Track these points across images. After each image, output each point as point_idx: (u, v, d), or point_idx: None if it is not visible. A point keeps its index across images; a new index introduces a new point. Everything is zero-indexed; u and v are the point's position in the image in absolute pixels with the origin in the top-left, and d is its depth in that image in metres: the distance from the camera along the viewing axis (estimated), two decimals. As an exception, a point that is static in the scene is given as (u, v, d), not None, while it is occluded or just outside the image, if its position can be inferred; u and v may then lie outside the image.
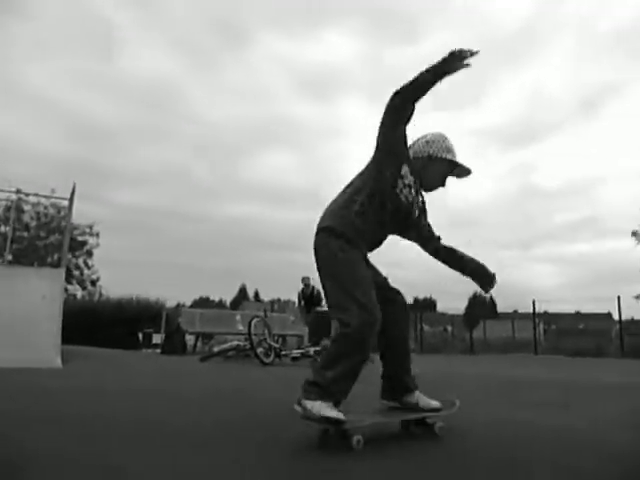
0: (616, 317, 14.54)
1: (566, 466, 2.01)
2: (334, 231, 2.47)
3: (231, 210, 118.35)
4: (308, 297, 11.05)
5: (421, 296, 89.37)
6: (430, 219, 2.81)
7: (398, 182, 2.52)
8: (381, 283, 2.59)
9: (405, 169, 2.54)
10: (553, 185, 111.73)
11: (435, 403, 2.59)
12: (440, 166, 2.67)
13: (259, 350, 8.07)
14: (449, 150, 2.68)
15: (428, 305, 76.27)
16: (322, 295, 11.10)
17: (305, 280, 11.21)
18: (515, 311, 27.15)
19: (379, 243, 2.68)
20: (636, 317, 27.44)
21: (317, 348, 8.44)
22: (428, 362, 10.56)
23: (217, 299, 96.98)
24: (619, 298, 13.94)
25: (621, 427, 2.96)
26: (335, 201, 2.61)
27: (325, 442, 2.36)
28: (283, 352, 8.77)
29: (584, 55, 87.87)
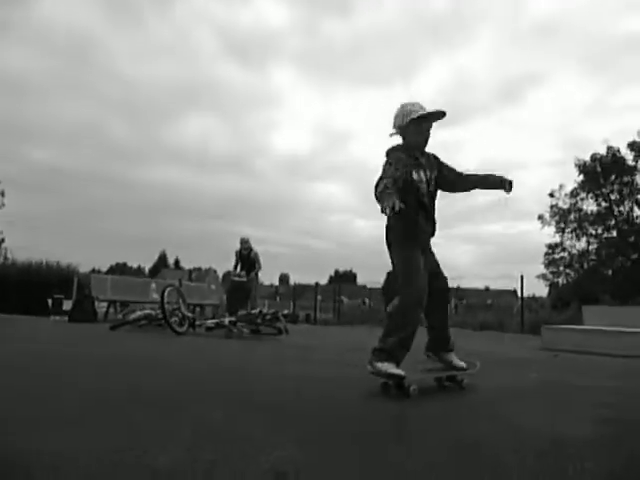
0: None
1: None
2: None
3: (152, 174, 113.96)
4: (245, 258, 10.89)
5: (342, 269, 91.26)
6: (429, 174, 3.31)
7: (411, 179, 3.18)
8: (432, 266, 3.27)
9: (414, 173, 3.20)
10: (474, 166, 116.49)
11: (463, 364, 3.33)
12: (413, 128, 3.18)
13: (172, 320, 7.88)
14: (408, 113, 3.18)
15: (348, 278, 78.06)
16: (258, 258, 10.96)
17: (244, 240, 10.98)
18: (430, 286, 28.20)
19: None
20: (537, 294, 29.46)
21: (233, 318, 8.37)
22: (341, 333, 10.80)
23: (135, 266, 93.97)
24: (522, 277, 14.85)
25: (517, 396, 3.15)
26: None
27: (385, 392, 3.07)
28: (197, 322, 8.63)
29: (508, 43, 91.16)
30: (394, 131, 3.25)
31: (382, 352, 3.03)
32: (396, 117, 3.23)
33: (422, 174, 3.23)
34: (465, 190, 3.47)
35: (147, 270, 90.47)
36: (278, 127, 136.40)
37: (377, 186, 3.02)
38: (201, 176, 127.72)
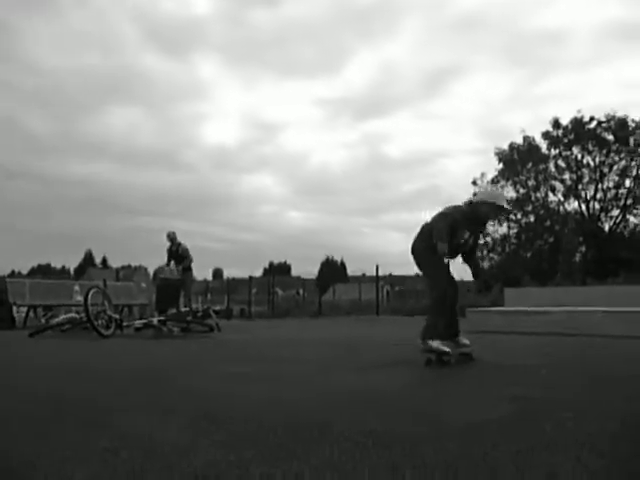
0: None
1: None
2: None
3: (75, 169, 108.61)
4: (174, 253, 10.57)
5: (276, 261, 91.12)
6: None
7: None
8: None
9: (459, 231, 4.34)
10: (400, 156, 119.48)
11: (468, 341, 4.41)
12: (488, 209, 4.39)
13: (98, 322, 7.58)
14: (496, 197, 4.55)
15: (283, 269, 78.04)
16: (187, 252, 10.63)
17: (170, 235, 10.66)
18: (363, 274, 28.81)
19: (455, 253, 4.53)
20: (465, 279, 30.68)
21: (162, 318, 8.16)
22: (275, 326, 10.79)
23: (59, 266, 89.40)
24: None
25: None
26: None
27: (428, 364, 4.09)
28: (125, 323, 8.35)
29: (432, 35, 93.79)
30: (475, 197, 4.62)
31: (431, 330, 4.14)
32: (485, 192, 4.63)
33: (466, 236, 4.38)
34: (469, 265, 4.78)
35: (72, 270, 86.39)
36: (206, 119, 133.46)
37: (438, 222, 4.26)
38: (127, 170, 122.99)
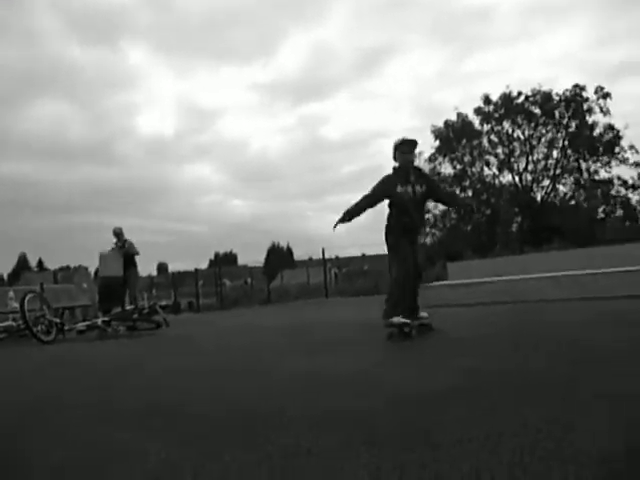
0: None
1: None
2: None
3: (1, 169, 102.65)
4: (121, 251, 10.20)
5: (221, 251, 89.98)
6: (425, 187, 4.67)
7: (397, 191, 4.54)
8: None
9: (398, 187, 4.52)
10: (339, 138, 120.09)
11: (426, 314, 4.72)
12: (398, 154, 4.61)
13: (37, 328, 7.25)
14: (395, 143, 4.61)
15: (229, 259, 77.19)
16: (134, 247, 10.27)
17: (116, 231, 10.23)
18: (310, 258, 28.94)
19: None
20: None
21: (106, 318, 7.90)
22: (225, 317, 10.71)
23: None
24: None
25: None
26: None
27: (390, 338, 4.34)
28: (67, 327, 8.02)
29: (363, 15, 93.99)
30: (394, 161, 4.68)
31: (390, 312, 4.39)
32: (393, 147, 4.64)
33: (408, 188, 4.51)
34: (449, 206, 5.60)
35: (6, 276, 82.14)
36: (139, 109, 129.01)
37: (368, 195, 4.61)
38: (58, 167, 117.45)
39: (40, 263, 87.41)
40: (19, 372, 4.60)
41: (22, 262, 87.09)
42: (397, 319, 4.34)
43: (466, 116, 30.35)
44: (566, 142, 29.36)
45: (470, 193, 30.84)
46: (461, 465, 1.41)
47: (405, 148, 4.59)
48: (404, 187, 4.49)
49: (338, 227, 4.59)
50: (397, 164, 4.65)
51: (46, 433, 2.19)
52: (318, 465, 1.52)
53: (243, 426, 2.01)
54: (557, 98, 28.95)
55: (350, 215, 4.58)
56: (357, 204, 4.57)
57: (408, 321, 4.34)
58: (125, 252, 10.16)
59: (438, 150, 30.72)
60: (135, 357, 5.06)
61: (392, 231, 4.59)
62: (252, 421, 2.07)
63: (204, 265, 56.33)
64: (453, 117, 30.59)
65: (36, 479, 1.65)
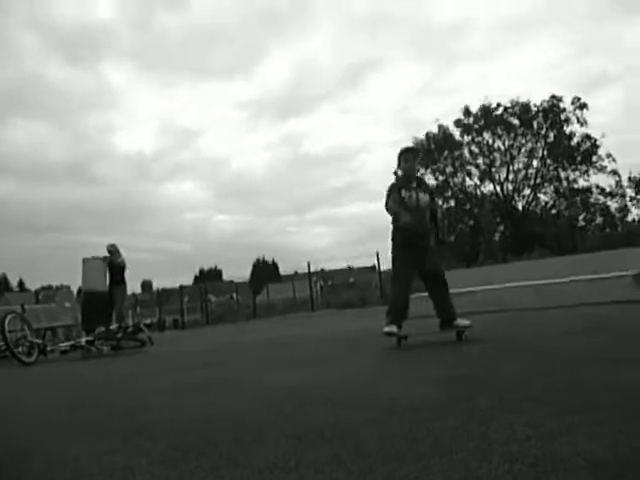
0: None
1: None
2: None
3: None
4: (115, 267, 10.09)
5: (206, 267, 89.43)
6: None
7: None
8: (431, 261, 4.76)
9: (403, 191, 4.72)
10: (322, 153, 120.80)
11: (467, 322, 4.61)
12: (402, 161, 4.87)
13: (18, 350, 7.12)
14: (401, 151, 4.90)
15: (214, 275, 76.73)
16: (123, 261, 10.08)
17: (110, 248, 10.10)
18: (296, 272, 28.87)
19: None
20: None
21: (90, 338, 7.78)
22: (213, 332, 10.61)
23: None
24: (377, 253, 15.83)
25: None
26: None
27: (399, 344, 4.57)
28: (49, 347, 7.88)
29: (346, 31, 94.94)
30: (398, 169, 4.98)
31: (387, 319, 4.64)
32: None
33: (412, 193, 4.68)
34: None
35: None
36: (118, 128, 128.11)
37: (387, 203, 4.71)
38: (36, 188, 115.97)
39: (21, 283, 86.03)
40: (1, 392, 4.50)
41: (2, 282, 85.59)
42: (388, 328, 4.56)
43: (447, 128, 30.75)
44: (545, 152, 29.87)
45: (453, 203, 31.13)
46: (451, 475, 1.40)
47: (409, 156, 4.89)
48: (408, 192, 4.66)
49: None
50: (401, 171, 4.93)
51: (26, 451, 2.14)
52: (307, 479, 1.50)
53: (232, 441, 1.99)
54: (535, 109, 29.48)
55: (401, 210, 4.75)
56: (396, 214, 4.73)
57: (393, 330, 4.56)
58: (111, 262, 10.01)
59: (420, 162, 31.01)
60: (120, 376, 4.98)
61: (397, 247, 4.77)
62: (240, 436, 2.04)
63: (189, 281, 55.90)
64: (434, 129, 30.96)
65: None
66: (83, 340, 7.67)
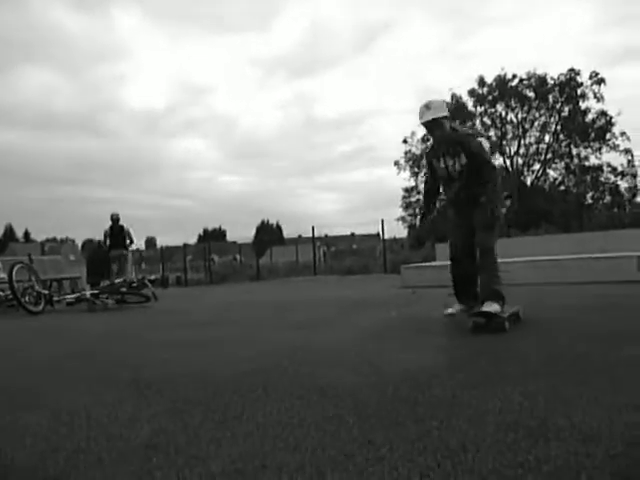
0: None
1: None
2: None
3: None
4: (117, 233, 10.62)
5: (210, 227, 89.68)
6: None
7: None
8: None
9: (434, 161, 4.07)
10: (333, 116, 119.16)
11: (497, 307, 3.56)
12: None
13: (25, 299, 7.25)
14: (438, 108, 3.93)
15: (218, 235, 77.07)
16: (131, 234, 10.63)
17: (114, 216, 10.68)
18: (299, 236, 28.97)
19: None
20: (398, 236, 31.54)
21: (95, 291, 7.90)
22: (214, 292, 10.74)
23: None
24: (382, 221, 15.81)
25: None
26: None
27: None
28: (56, 298, 8.02)
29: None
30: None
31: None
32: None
33: (441, 163, 3.96)
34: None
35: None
36: (129, 80, 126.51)
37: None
38: (44, 138, 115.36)
39: (26, 234, 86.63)
40: (10, 340, 4.61)
41: (8, 233, 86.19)
42: (450, 309, 3.99)
43: (460, 97, 30.22)
44: (558, 127, 29.40)
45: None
46: (449, 440, 1.46)
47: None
48: (438, 162, 4.03)
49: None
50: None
51: (36, 395, 2.22)
52: (310, 436, 1.56)
53: (237, 397, 2.05)
54: (552, 82, 28.88)
55: (424, 208, 4.53)
56: (423, 195, 4.49)
57: (453, 311, 3.96)
58: (124, 237, 10.71)
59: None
60: (126, 330, 5.08)
61: (446, 205, 4.43)
62: (245, 393, 2.11)
63: (193, 240, 56.18)
64: (447, 98, 30.44)
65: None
66: (88, 293, 7.78)
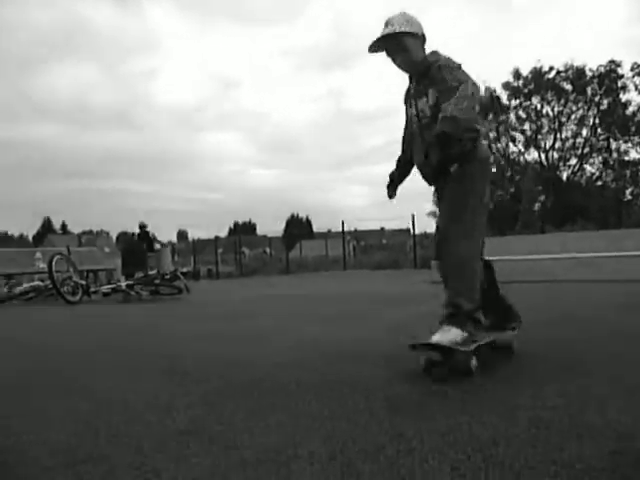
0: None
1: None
2: None
3: (22, 132, 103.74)
4: (145, 240, 11.66)
5: (241, 220, 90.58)
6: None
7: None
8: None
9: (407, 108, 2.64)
10: (364, 108, 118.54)
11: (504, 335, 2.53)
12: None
13: (64, 289, 7.49)
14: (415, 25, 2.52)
15: (248, 229, 77.77)
16: (157, 239, 11.97)
17: (142, 225, 11.87)
18: (329, 230, 28.99)
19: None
20: (429, 231, 31.23)
21: (130, 282, 8.10)
22: (245, 285, 10.86)
23: (17, 234, 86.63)
24: (413, 216, 15.69)
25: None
26: None
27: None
28: (92, 289, 8.26)
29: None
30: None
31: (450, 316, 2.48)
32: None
33: (412, 108, 2.55)
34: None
35: (31, 238, 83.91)
36: (161, 74, 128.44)
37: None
38: (80, 132, 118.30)
39: (64, 226, 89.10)
40: (51, 327, 4.78)
41: (47, 225, 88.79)
42: (452, 336, 2.29)
43: (494, 90, 29.65)
44: (597, 120, 28.57)
45: (494, 169, 30.34)
46: (480, 434, 1.46)
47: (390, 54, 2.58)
48: (410, 108, 2.60)
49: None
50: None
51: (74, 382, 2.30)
52: (341, 428, 1.58)
53: (269, 388, 2.09)
54: (590, 74, 28.06)
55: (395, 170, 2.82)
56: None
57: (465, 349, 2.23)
58: (151, 242, 11.79)
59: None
60: (161, 321, 5.20)
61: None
62: (277, 387, 2.15)
63: (223, 233, 56.82)
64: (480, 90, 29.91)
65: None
66: (123, 284, 7.98)
